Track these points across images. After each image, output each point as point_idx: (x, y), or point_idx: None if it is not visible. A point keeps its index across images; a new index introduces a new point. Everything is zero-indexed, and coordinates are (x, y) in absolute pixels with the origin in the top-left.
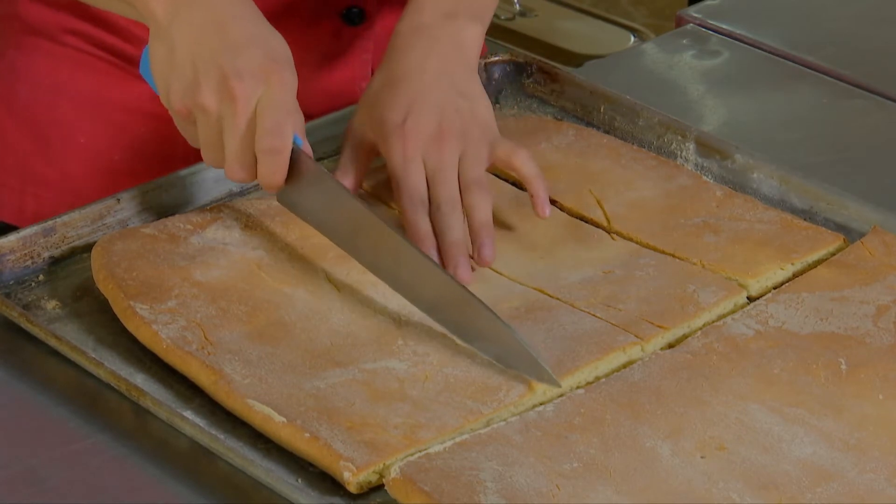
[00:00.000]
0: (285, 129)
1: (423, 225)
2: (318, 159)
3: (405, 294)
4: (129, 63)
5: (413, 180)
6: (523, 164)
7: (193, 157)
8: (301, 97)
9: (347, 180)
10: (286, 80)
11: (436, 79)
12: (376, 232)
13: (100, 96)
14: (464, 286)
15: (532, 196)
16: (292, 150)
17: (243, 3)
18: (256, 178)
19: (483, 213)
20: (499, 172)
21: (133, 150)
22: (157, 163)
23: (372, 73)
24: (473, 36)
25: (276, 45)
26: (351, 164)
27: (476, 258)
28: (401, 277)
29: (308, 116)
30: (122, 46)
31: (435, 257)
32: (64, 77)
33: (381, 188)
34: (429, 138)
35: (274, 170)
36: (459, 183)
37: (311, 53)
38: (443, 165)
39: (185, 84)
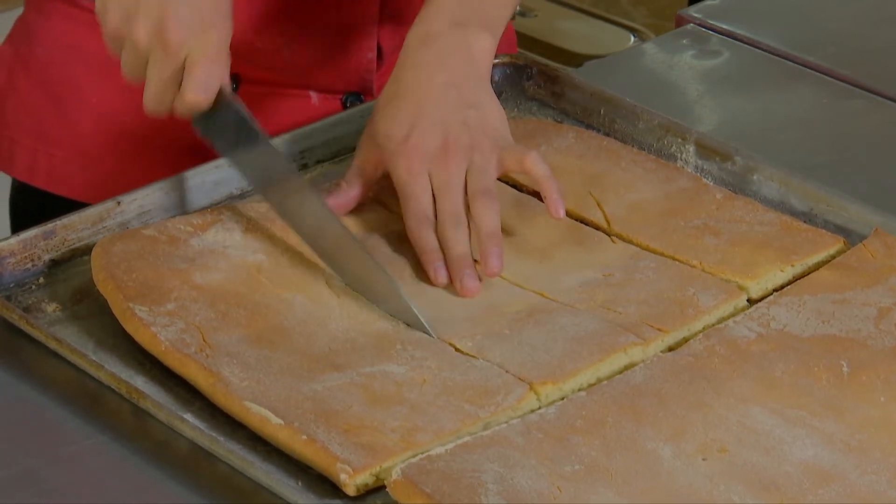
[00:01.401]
0: (212, 83)
1: (430, 241)
2: (319, 162)
3: (302, 237)
4: None
5: (418, 197)
6: (534, 165)
7: None
8: (310, 71)
9: (353, 191)
10: (222, 34)
11: (443, 92)
12: (283, 174)
13: (112, 59)
14: (354, 237)
15: (545, 198)
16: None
17: None
18: (171, 112)
19: (490, 223)
20: (499, 176)
21: (142, 114)
22: (167, 127)
23: (378, 46)
24: (483, 45)
25: None
26: (357, 176)
27: (483, 269)
28: (303, 225)
29: (317, 89)
30: None
31: (442, 272)
32: (79, 39)
33: (382, 193)
34: (434, 154)
35: (191, 104)
36: (467, 194)
37: (317, 25)
38: (448, 180)
39: (124, 9)
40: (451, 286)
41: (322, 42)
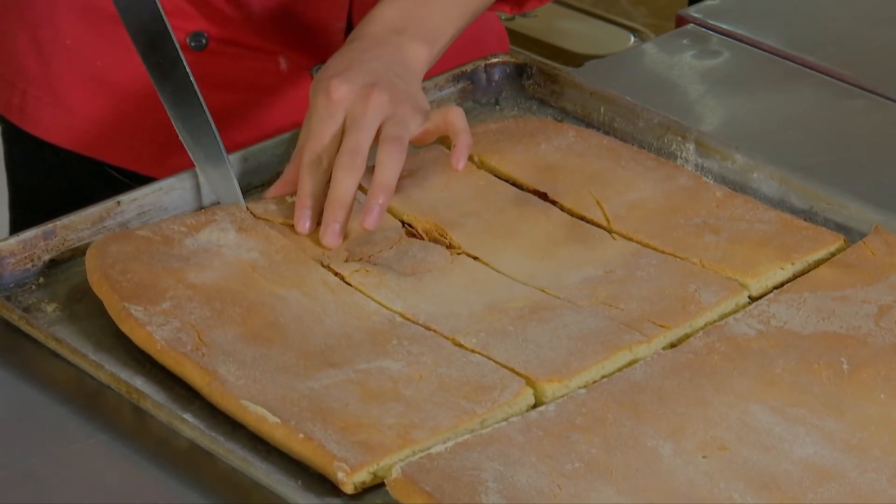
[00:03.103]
0: None
1: (311, 184)
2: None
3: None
4: None
5: (323, 134)
6: (456, 118)
7: None
8: (279, 34)
9: (287, 177)
10: None
11: (376, 58)
12: (163, 42)
13: (92, 3)
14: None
15: (454, 147)
16: None
17: None
18: None
19: (387, 173)
20: (498, 173)
21: (117, 59)
22: (141, 75)
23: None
24: (416, 52)
25: None
26: (294, 161)
27: (360, 220)
28: (164, 86)
29: (284, 49)
30: None
31: (304, 221)
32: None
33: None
34: (358, 91)
35: None
36: (377, 140)
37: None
38: (364, 114)
39: None
40: (450, 284)
41: (292, 6)
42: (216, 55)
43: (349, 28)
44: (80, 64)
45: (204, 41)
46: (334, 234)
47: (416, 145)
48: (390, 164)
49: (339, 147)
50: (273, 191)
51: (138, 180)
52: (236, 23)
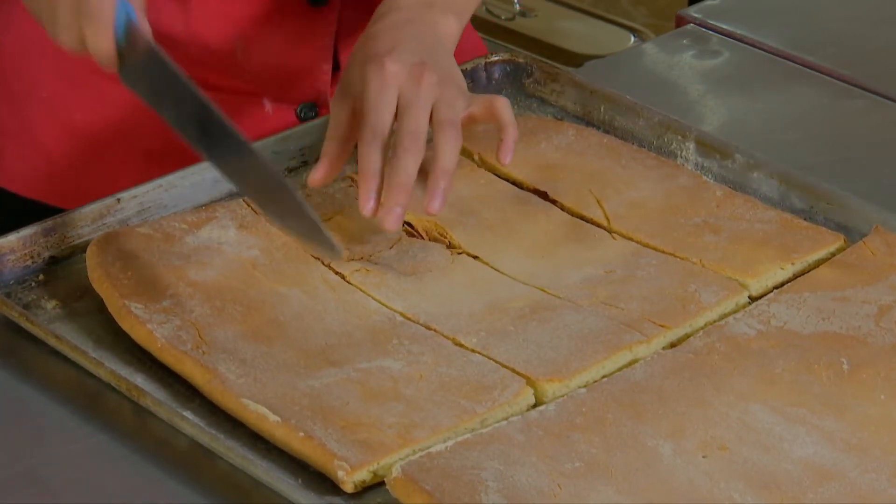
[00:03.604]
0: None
1: (375, 161)
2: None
3: (228, 177)
4: None
5: (381, 111)
6: (503, 109)
7: (162, 132)
8: (265, 79)
9: (330, 160)
10: None
11: (415, 38)
12: (206, 115)
13: (66, 54)
14: (277, 173)
15: (502, 141)
16: (129, 26)
17: None
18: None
19: (448, 157)
20: (498, 172)
21: (94, 111)
22: (120, 126)
23: (335, 59)
24: (449, 26)
25: None
26: (335, 138)
27: (426, 205)
28: (226, 160)
29: (271, 98)
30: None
31: (370, 202)
32: (30, 31)
33: None
34: (410, 69)
35: (96, 38)
36: (432, 123)
37: (274, 33)
38: (418, 98)
39: None
40: (450, 284)
41: (277, 50)
42: None
43: (337, 67)
44: (58, 116)
45: None
46: (397, 217)
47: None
48: (449, 148)
49: (394, 124)
50: (320, 173)
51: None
52: (218, 63)
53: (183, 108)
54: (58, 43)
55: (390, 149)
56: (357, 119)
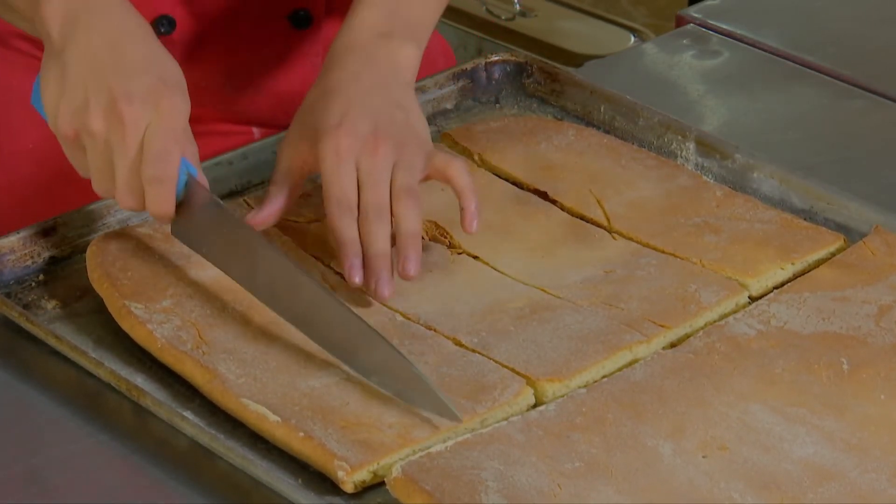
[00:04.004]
0: (172, 156)
1: (349, 232)
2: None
3: (304, 330)
4: None
5: (343, 183)
6: (458, 175)
7: None
8: (253, 105)
9: (278, 201)
10: (177, 106)
11: (371, 88)
12: (274, 267)
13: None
14: (363, 320)
15: (462, 209)
16: (186, 180)
17: (139, 23)
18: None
19: (411, 223)
20: (498, 172)
21: (15, 137)
22: (39, 153)
23: None
24: (408, 56)
25: (169, 68)
26: (280, 183)
27: (399, 270)
28: (299, 313)
29: (259, 124)
30: None
31: (357, 272)
32: (16, 81)
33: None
34: (363, 141)
35: (160, 199)
36: (391, 191)
37: (258, 57)
38: (375, 170)
39: (74, 106)
40: (451, 284)
41: (263, 72)
42: None
43: None
44: (45, 167)
45: None
46: (387, 283)
47: None
48: (411, 215)
49: (358, 192)
50: (261, 218)
51: None
52: (208, 98)
53: (244, 263)
54: (98, 192)
55: (358, 220)
56: (307, 172)
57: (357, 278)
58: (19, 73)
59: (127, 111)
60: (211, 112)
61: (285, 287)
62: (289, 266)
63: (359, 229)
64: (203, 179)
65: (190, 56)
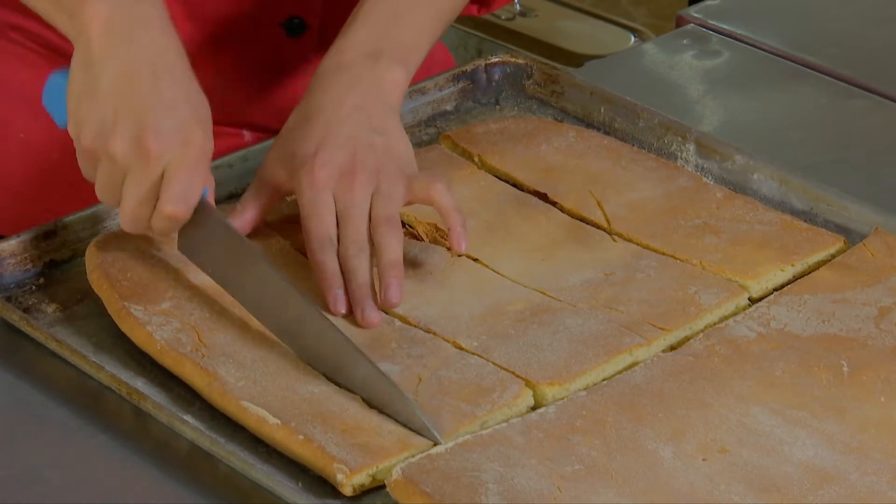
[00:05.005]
0: (192, 196)
1: (330, 265)
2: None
3: (303, 356)
4: None
5: (322, 217)
6: (441, 196)
7: None
8: (245, 109)
9: (246, 215)
10: (204, 146)
11: (350, 114)
12: (276, 290)
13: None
14: (347, 338)
15: (449, 230)
16: (200, 203)
17: (178, 54)
18: (148, 230)
19: (392, 252)
20: (498, 173)
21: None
22: (31, 150)
23: None
24: (396, 78)
25: (200, 106)
26: (252, 199)
27: (381, 300)
28: (300, 337)
29: (251, 128)
30: (67, 46)
31: (341, 302)
32: (7, 73)
33: (283, 222)
34: (340, 172)
35: (169, 231)
36: (370, 220)
37: (253, 65)
38: (353, 202)
39: (100, 124)
40: (451, 287)
41: (256, 78)
42: None
43: None
44: (37, 160)
45: None
46: (373, 311)
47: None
48: (391, 244)
49: (336, 221)
50: (245, 223)
51: None
52: None
53: (247, 285)
54: (101, 199)
55: (338, 252)
56: (283, 193)
57: (341, 308)
58: (11, 64)
59: (154, 146)
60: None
61: (274, 300)
62: (279, 280)
63: (340, 260)
64: (211, 198)
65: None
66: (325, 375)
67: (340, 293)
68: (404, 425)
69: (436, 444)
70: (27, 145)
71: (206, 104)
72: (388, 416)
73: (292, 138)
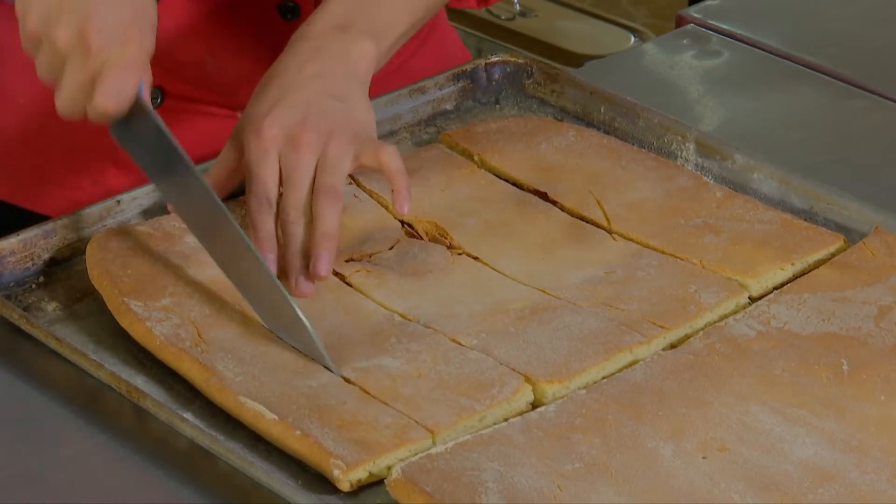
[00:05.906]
0: (124, 92)
1: (266, 227)
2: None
3: (218, 261)
4: None
5: (263, 178)
6: (389, 159)
7: None
8: (237, 91)
9: (210, 179)
10: (144, 46)
11: (309, 80)
12: (197, 194)
13: None
14: (264, 262)
15: (394, 191)
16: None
17: None
18: (83, 118)
19: (328, 223)
20: (498, 172)
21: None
22: (93, 133)
23: None
24: (363, 50)
25: (145, 8)
26: (218, 163)
27: (311, 270)
28: (214, 244)
29: (241, 108)
30: None
31: (272, 262)
32: (10, 38)
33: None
34: (288, 134)
35: (103, 122)
36: (313, 187)
37: (247, 47)
38: (297, 166)
39: (46, 12)
40: (451, 285)
41: (248, 60)
42: (172, 111)
43: None
44: (34, 124)
45: (159, 99)
46: (305, 284)
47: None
48: (329, 214)
49: (279, 184)
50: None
51: (14, 211)
52: (189, 73)
53: (173, 179)
54: (41, 80)
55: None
56: (242, 168)
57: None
58: (13, 28)
59: (95, 41)
60: (193, 91)
61: (193, 202)
62: (213, 200)
63: (279, 224)
64: (146, 93)
65: (175, 30)
66: (237, 287)
67: (272, 257)
68: (305, 355)
69: (342, 378)
70: (26, 110)
71: (153, 8)
72: (293, 346)
73: (250, 102)
